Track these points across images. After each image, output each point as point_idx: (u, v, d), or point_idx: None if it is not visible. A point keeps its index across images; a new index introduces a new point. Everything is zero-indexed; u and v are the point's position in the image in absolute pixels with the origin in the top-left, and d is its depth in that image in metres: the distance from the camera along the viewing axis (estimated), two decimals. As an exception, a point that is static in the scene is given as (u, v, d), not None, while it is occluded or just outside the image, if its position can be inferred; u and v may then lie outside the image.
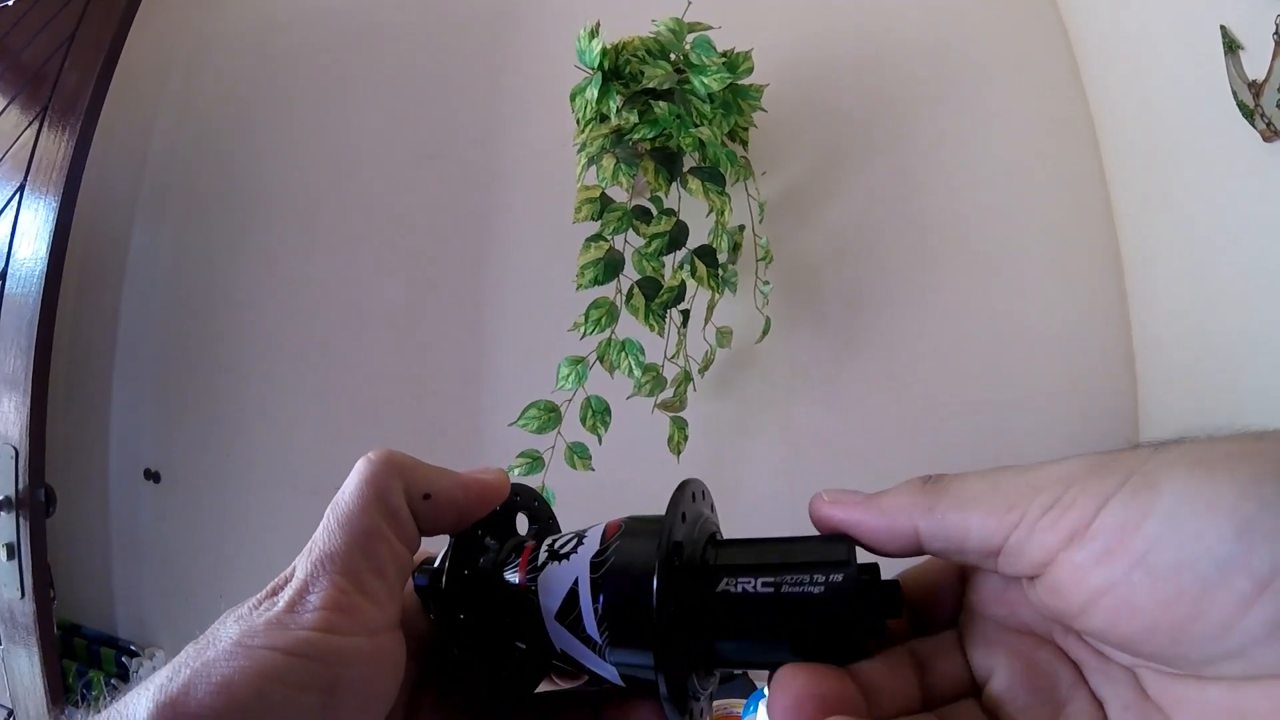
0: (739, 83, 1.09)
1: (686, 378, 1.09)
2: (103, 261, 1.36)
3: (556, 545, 0.24)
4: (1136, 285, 1.23)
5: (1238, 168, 0.95)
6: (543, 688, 0.25)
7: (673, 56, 1.08)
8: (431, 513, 0.23)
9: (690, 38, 1.07)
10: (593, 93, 1.04)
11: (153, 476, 1.35)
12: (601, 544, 0.23)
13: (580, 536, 0.24)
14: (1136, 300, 1.23)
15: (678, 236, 1.06)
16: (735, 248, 1.12)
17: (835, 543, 0.21)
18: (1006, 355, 1.22)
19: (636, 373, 1.04)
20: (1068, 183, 1.27)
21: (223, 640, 0.18)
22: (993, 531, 0.19)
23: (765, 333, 1.15)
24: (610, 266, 1.03)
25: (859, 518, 0.21)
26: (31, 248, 1.24)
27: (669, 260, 1.08)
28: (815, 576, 0.20)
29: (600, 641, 0.22)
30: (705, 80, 1.05)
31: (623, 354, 1.04)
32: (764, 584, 0.21)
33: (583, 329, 1.04)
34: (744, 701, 0.89)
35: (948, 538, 0.20)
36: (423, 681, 0.24)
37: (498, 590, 0.24)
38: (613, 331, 1.05)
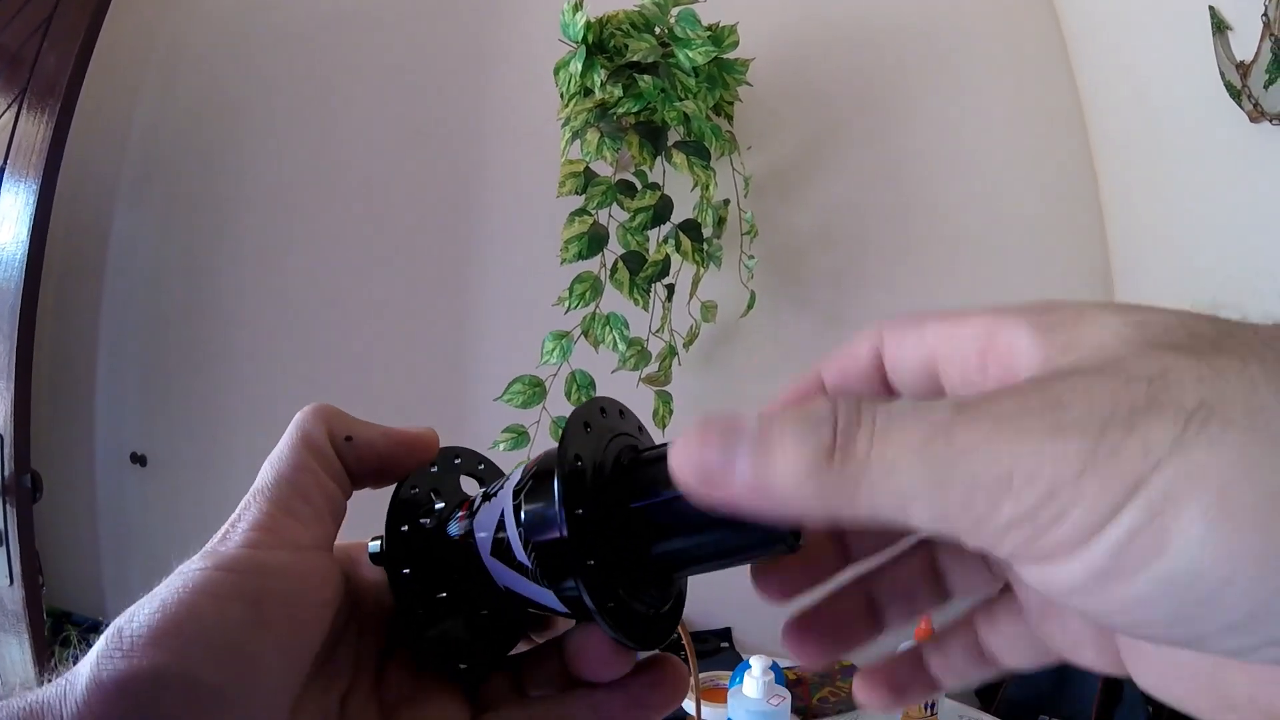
0: (724, 57, 1.09)
1: (671, 352, 1.09)
2: (85, 246, 1.35)
3: (490, 489, 0.24)
4: (1123, 265, 1.24)
5: (1225, 148, 0.95)
6: (520, 648, 0.26)
7: (657, 30, 1.07)
8: (354, 454, 0.23)
9: (675, 11, 1.07)
10: (577, 67, 1.04)
11: (139, 460, 1.34)
12: (523, 475, 0.23)
13: (509, 476, 0.24)
14: (1122, 280, 1.24)
15: (662, 211, 1.06)
16: (720, 222, 1.12)
17: None
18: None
19: (621, 347, 1.04)
20: (1055, 164, 1.27)
21: (170, 575, 0.20)
22: (946, 531, 0.14)
23: (750, 307, 1.15)
24: (594, 241, 1.03)
25: (745, 499, 0.15)
26: (12, 232, 1.23)
27: (653, 234, 1.08)
28: None
29: (531, 565, 0.22)
30: (690, 54, 1.04)
31: (607, 328, 1.04)
32: (677, 500, 0.18)
33: (567, 303, 1.03)
34: (729, 674, 0.90)
35: (878, 533, 0.18)
36: (389, 655, 0.24)
37: (441, 543, 0.24)
38: (597, 306, 1.05)
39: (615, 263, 1.05)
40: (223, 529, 0.21)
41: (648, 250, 1.07)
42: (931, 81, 1.26)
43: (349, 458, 0.23)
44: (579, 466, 0.21)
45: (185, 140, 1.36)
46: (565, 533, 0.20)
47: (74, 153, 1.24)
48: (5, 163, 1.30)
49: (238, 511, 0.21)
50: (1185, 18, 0.97)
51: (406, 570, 0.23)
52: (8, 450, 1.23)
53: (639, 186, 1.07)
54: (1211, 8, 0.92)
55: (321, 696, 0.22)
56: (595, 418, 0.22)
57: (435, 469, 0.26)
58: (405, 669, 0.24)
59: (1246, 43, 0.88)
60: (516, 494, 0.22)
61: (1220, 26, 0.92)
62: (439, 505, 0.25)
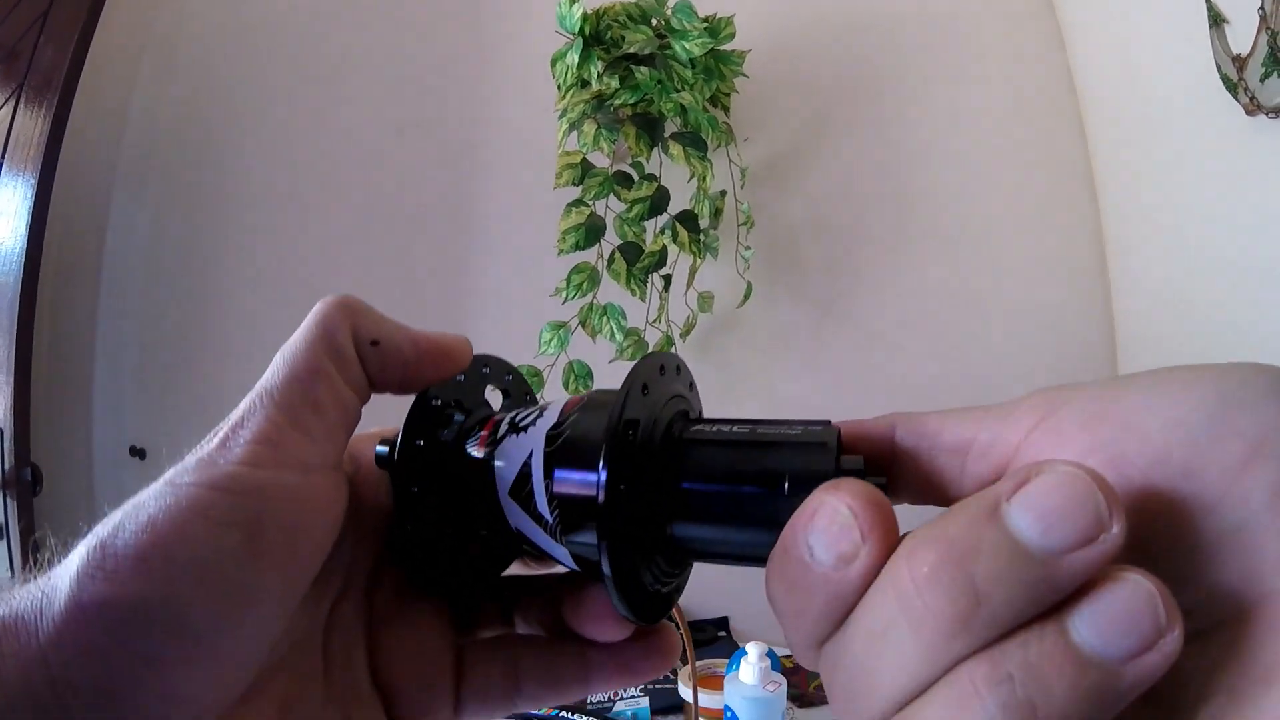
0: (721, 48, 1.09)
1: (668, 342, 1.09)
2: (83, 239, 1.35)
3: (518, 418, 0.22)
4: (1118, 258, 1.24)
5: (1221, 142, 0.95)
6: (514, 570, 0.25)
7: (654, 21, 1.07)
8: (378, 361, 0.21)
9: (671, 2, 1.07)
10: (573, 58, 1.04)
11: (139, 454, 1.34)
12: (560, 417, 0.21)
13: (543, 410, 0.22)
14: (1117, 273, 1.24)
15: (659, 202, 1.06)
16: (717, 213, 1.12)
17: (819, 426, 0.19)
18: (986, 329, 1.23)
19: (618, 337, 1.04)
20: (1051, 155, 1.27)
21: (158, 482, 0.18)
22: (967, 427, 0.18)
23: (747, 297, 1.15)
24: (591, 232, 1.03)
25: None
26: (10, 226, 1.23)
27: (650, 225, 1.08)
28: (790, 458, 0.18)
29: (551, 520, 0.21)
30: (686, 45, 1.04)
31: (604, 318, 1.04)
32: (728, 463, 0.19)
33: (564, 294, 1.04)
34: (725, 661, 0.90)
35: (922, 435, 0.18)
36: (384, 561, 0.23)
37: (456, 463, 0.22)
38: (594, 296, 1.05)
39: (612, 253, 1.05)
40: (222, 431, 0.19)
41: (645, 241, 1.07)
42: (928, 73, 1.27)
43: (371, 364, 0.21)
44: (630, 437, 0.19)
45: (183, 133, 1.36)
46: (602, 502, 0.19)
47: (71, 147, 1.24)
48: (3, 157, 1.30)
49: (241, 412, 0.19)
50: (1182, 10, 0.97)
51: (414, 488, 0.22)
52: (7, 444, 1.23)
53: (636, 178, 1.07)
54: (1208, 0, 0.92)
55: (310, 609, 0.21)
56: (654, 378, 0.21)
57: (462, 378, 0.24)
58: (396, 583, 0.23)
59: (1243, 36, 0.88)
60: (552, 440, 0.21)
61: (1217, 19, 0.92)
62: (459, 417, 0.23)
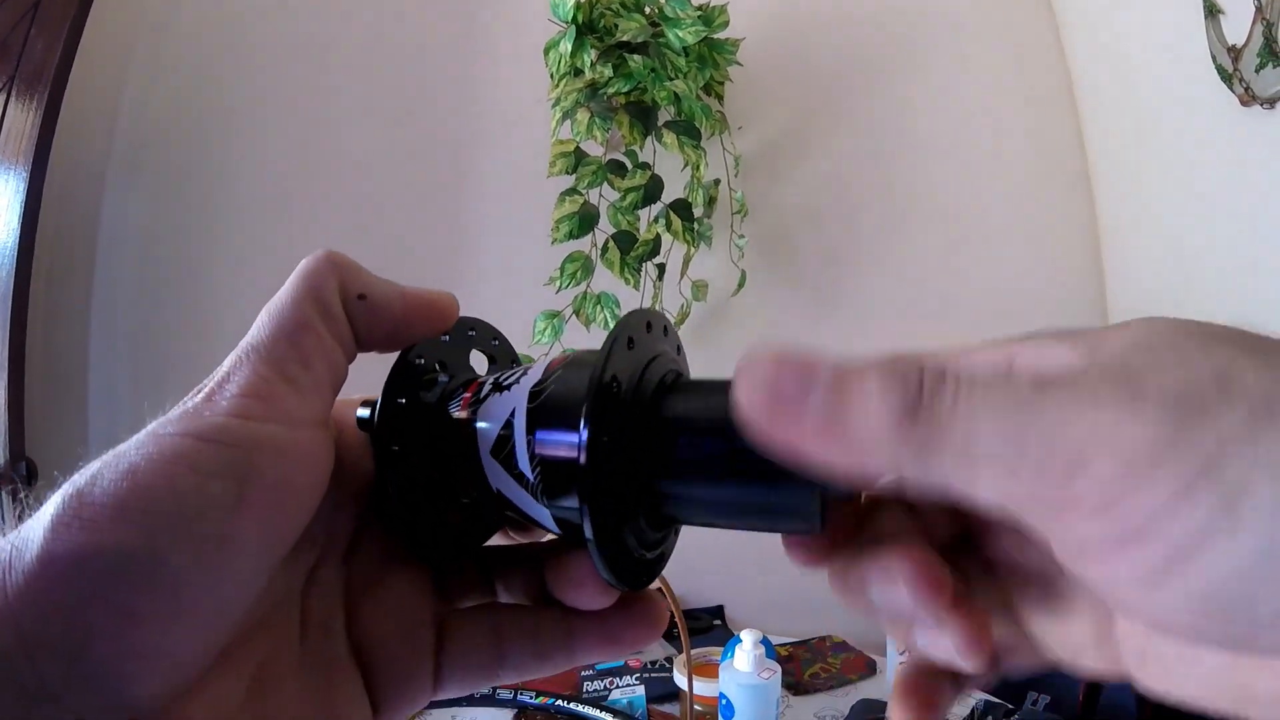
0: (714, 36, 1.09)
1: (663, 332, 1.09)
2: (76, 233, 1.35)
3: (502, 378, 0.22)
4: (1112, 247, 1.24)
5: (1216, 132, 0.95)
6: (496, 541, 0.24)
7: (647, 10, 1.07)
8: (365, 316, 0.21)
9: (664, -10, 1.06)
10: (567, 47, 1.04)
11: (134, 448, 1.35)
12: (544, 374, 0.21)
13: (527, 369, 0.22)
14: (1112, 262, 1.24)
15: (653, 190, 1.06)
16: (710, 202, 1.12)
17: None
18: (979, 317, 1.22)
19: (612, 326, 1.04)
20: (1046, 144, 1.27)
21: (140, 433, 0.17)
22: (1009, 506, 0.14)
23: (741, 286, 1.15)
24: (585, 220, 1.03)
25: (813, 442, 0.15)
26: (3, 220, 1.23)
27: (644, 214, 1.08)
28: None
29: (533, 479, 0.20)
30: (680, 34, 1.04)
31: (598, 307, 1.04)
32: (716, 440, 0.18)
33: (558, 283, 1.04)
34: (720, 649, 0.90)
35: (941, 497, 0.15)
36: (365, 527, 0.22)
37: (439, 423, 0.22)
38: (588, 285, 1.05)
39: (606, 242, 1.05)
40: (208, 385, 0.18)
41: (638, 230, 1.07)
42: (922, 63, 1.26)
43: (359, 319, 0.21)
44: (614, 389, 0.19)
45: (175, 125, 1.36)
46: (584, 461, 0.18)
47: (63, 140, 1.24)
48: (-6, 150, 1.29)
49: (226, 367, 0.19)
50: (1177, 1, 0.96)
51: (395, 447, 0.21)
52: (2, 438, 1.23)
53: (629, 166, 1.07)
54: (1203, -9, 0.92)
55: (288, 571, 0.20)
56: (640, 333, 0.20)
57: (446, 338, 0.23)
58: (376, 547, 0.22)
59: (1238, 27, 0.88)
60: (534, 396, 0.20)
61: (1212, 10, 0.92)
62: (443, 379, 0.23)
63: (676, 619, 0.74)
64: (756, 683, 0.82)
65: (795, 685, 0.95)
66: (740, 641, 0.84)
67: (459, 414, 0.22)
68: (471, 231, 1.27)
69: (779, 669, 0.84)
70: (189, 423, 0.17)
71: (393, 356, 0.22)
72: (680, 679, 0.89)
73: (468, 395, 0.22)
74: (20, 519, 0.16)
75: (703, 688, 0.86)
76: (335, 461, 0.21)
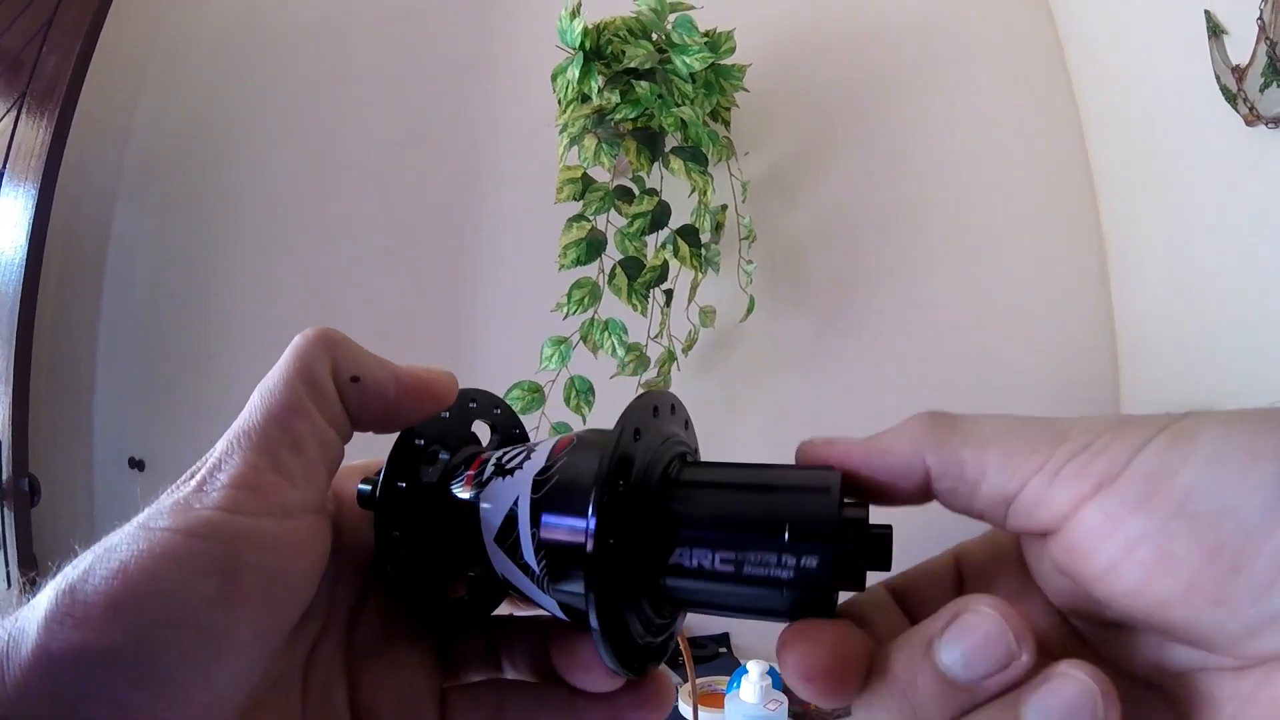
0: (721, 62, 1.09)
1: (670, 357, 1.09)
2: (84, 249, 1.35)
3: (505, 459, 0.22)
4: (1119, 269, 1.24)
5: (1220, 152, 0.95)
6: (504, 610, 0.24)
7: (654, 36, 1.08)
8: (358, 398, 0.20)
9: (672, 17, 1.07)
10: (574, 73, 1.04)
11: (137, 465, 1.34)
12: (548, 460, 0.20)
13: (530, 451, 0.21)
14: (1119, 284, 1.24)
15: (660, 216, 1.06)
16: (718, 227, 1.12)
17: (821, 471, 0.19)
18: (988, 340, 1.22)
19: (620, 352, 1.04)
20: (1052, 166, 1.27)
21: (130, 525, 0.17)
22: (1011, 474, 0.17)
23: (749, 312, 1.15)
24: (592, 246, 1.03)
25: (857, 458, 0.19)
26: (11, 236, 1.23)
27: (651, 240, 1.08)
28: (783, 562, 0.17)
29: (539, 572, 0.20)
30: (687, 60, 1.05)
31: (606, 334, 1.04)
32: (722, 555, 0.18)
33: (565, 309, 1.04)
34: (726, 679, 0.90)
35: (960, 476, 0.18)
36: (367, 600, 0.22)
37: (440, 504, 0.22)
38: (595, 311, 1.05)
39: (613, 268, 1.05)
40: (200, 472, 0.18)
41: (646, 256, 1.07)
42: (928, 86, 1.27)
43: (352, 400, 0.20)
44: (619, 489, 0.18)
45: (185, 143, 1.36)
46: (590, 555, 0.18)
47: (73, 156, 1.24)
48: (4, 166, 1.30)
49: (218, 454, 0.18)
50: (1181, 21, 0.97)
51: (397, 532, 0.21)
52: (5, 454, 1.23)
53: (637, 192, 1.07)
54: (1207, 11, 0.92)
55: (289, 649, 0.20)
56: (647, 421, 0.20)
57: (446, 414, 0.23)
58: (378, 619, 0.22)
59: (1242, 47, 0.88)
60: (539, 485, 0.20)
61: (1216, 30, 0.92)
62: (444, 455, 0.23)
63: (681, 647, 0.74)
64: (763, 714, 0.81)
65: (801, 715, 0.95)
66: (746, 672, 0.84)
67: (462, 494, 0.22)
68: (479, 257, 1.27)
69: (785, 700, 0.84)
70: (178, 517, 0.17)
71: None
72: (685, 708, 0.89)
73: (470, 473, 0.22)
74: (29, 589, 0.17)
75: (708, 718, 0.86)
76: (336, 534, 0.21)
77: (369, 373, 0.20)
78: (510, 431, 0.26)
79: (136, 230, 1.37)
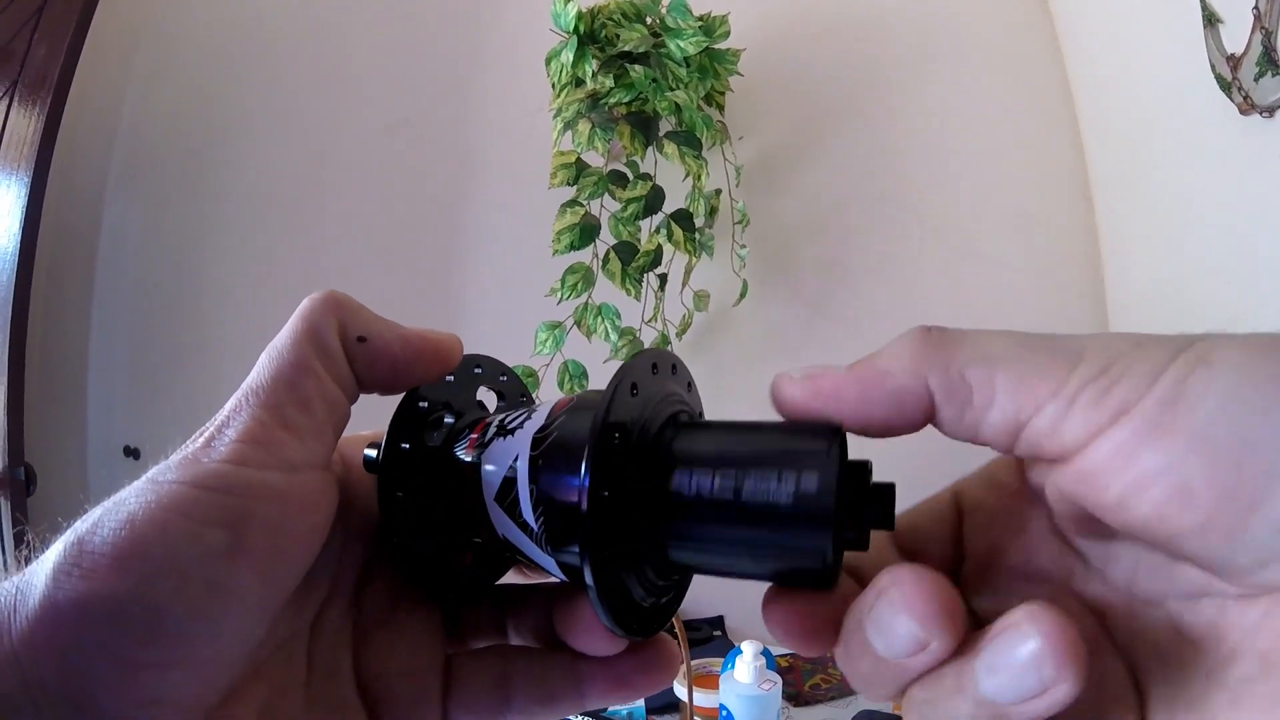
0: (715, 47, 1.09)
1: (664, 341, 1.09)
2: (76, 239, 1.35)
3: (507, 420, 0.22)
4: (1112, 259, 1.24)
5: (1215, 141, 0.95)
6: (510, 578, 0.24)
7: (649, 20, 1.07)
8: (365, 358, 0.20)
9: (666, 1, 1.07)
10: (568, 57, 1.04)
11: (132, 454, 1.34)
12: (548, 419, 0.21)
13: (531, 411, 0.22)
14: (1112, 274, 1.24)
15: (654, 201, 1.06)
16: (712, 212, 1.12)
17: (818, 435, 0.18)
18: (980, 328, 1.22)
19: (613, 336, 1.04)
20: (1045, 154, 1.27)
21: (140, 480, 0.17)
22: (1024, 400, 0.16)
23: (742, 296, 1.15)
24: (586, 231, 1.03)
25: (850, 391, 0.18)
26: (4, 225, 1.23)
27: (645, 224, 1.08)
28: (784, 481, 0.17)
29: (537, 529, 0.20)
30: (681, 44, 1.04)
31: (599, 318, 1.04)
32: (720, 484, 0.18)
33: (559, 294, 1.04)
34: (721, 660, 0.90)
35: (967, 401, 0.17)
36: (373, 566, 0.22)
37: (443, 467, 0.22)
38: (589, 296, 1.05)
39: (607, 253, 1.05)
40: (207, 431, 0.18)
41: (639, 240, 1.07)
42: (922, 72, 1.27)
43: (359, 361, 0.20)
44: (615, 443, 0.18)
45: (175, 133, 1.36)
46: (585, 509, 0.18)
47: (64, 146, 1.24)
48: (-4, 156, 1.29)
49: (226, 412, 0.19)
50: (1176, 10, 0.97)
51: (400, 494, 0.21)
52: (1, 444, 1.23)
53: (630, 177, 1.07)
54: (1202, 0, 0.92)
55: (294, 614, 0.20)
56: (645, 377, 0.20)
57: (451, 378, 0.23)
58: (385, 585, 0.22)
59: (1237, 35, 0.88)
60: (537, 443, 0.20)
61: (1211, 19, 0.92)
62: (449, 419, 0.23)
63: (676, 629, 0.74)
64: (757, 694, 0.82)
65: (796, 696, 0.95)
66: (740, 652, 0.84)
67: (464, 457, 0.22)
68: (473, 242, 1.27)
69: (779, 680, 0.84)
70: (187, 470, 0.17)
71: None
72: (680, 690, 0.89)
73: (473, 437, 0.22)
74: (26, 561, 0.17)
75: (703, 699, 0.86)
76: (342, 500, 0.21)
77: (376, 333, 0.21)
78: (516, 399, 0.26)
79: (128, 219, 1.37)
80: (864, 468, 0.18)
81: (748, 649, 0.83)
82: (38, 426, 1.27)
